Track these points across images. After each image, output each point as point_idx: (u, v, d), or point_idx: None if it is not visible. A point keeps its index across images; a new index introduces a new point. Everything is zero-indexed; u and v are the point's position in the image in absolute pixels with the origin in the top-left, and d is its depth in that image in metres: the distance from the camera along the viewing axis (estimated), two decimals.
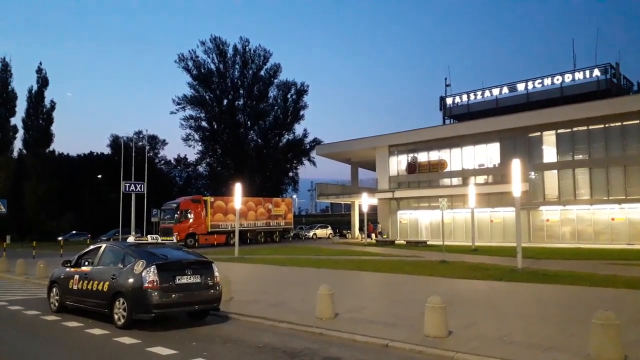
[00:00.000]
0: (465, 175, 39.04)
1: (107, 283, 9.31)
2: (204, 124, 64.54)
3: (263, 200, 43.49)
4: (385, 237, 40.50)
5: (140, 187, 32.13)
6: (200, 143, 64.96)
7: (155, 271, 8.79)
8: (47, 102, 53.59)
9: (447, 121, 45.95)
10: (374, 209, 44.63)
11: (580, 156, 34.31)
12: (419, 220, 41.40)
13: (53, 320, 9.94)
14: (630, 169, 32.03)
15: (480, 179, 38.45)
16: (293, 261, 22.78)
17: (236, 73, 64.18)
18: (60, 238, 35.14)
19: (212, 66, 63.07)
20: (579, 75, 39.12)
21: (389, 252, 28.62)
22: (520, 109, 38.15)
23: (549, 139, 35.54)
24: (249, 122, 65.76)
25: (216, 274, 9.65)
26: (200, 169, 71.69)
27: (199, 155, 67.27)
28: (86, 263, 10.31)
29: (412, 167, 42.44)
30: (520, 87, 41.80)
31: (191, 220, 36.91)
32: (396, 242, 38.08)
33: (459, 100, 45.26)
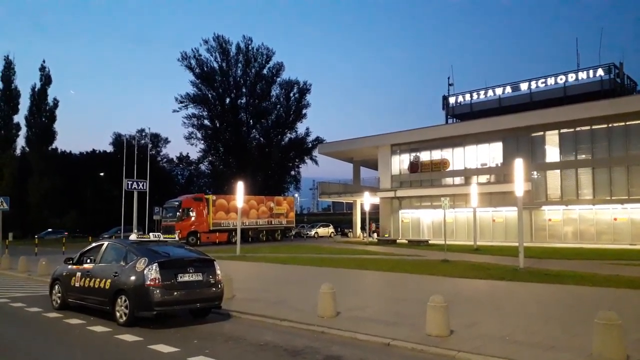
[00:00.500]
0: (467, 174, 38.98)
1: (109, 280, 9.32)
2: (206, 122, 64.61)
3: (265, 198, 43.51)
4: (386, 235, 40.50)
5: (143, 185, 32.10)
6: (202, 141, 65.04)
7: (157, 269, 8.80)
8: (50, 100, 53.77)
9: (450, 120, 45.91)
10: (376, 208, 44.63)
11: (583, 156, 34.24)
12: (421, 219, 41.37)
13: (55, 317, 9.96)
14: (633, 169, 31.94)
15: (483, 178, 38.40)
16: (295, 260, 22.79)
17: (239, 72, 64.21)
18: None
19: (215, 65, 63.13)
20: (582, 75, 39.03)
21: (391, 251, 28.61)
22: (523, 108, 38.08)
23: (552, 138, 35.47)
24: (251, 121, 65.77)
25: (218, 272, 9.65)
26: (203, 167, 71.84)
27: (201, 154, 67.38)
28: (88, 260, 10.32)
29: (415, 166, 42.40)
30: (524, 86, 41.72)
31: (193, 219, 36.97)
32: (398, 241, 38.07)
33: (462, 100, 45.21)
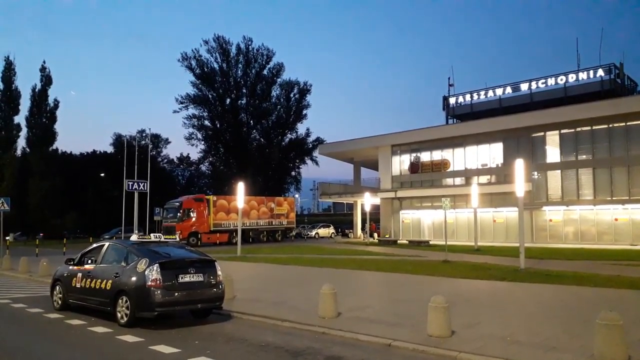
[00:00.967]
0: (468, 175, 38.96)
1: (110, 281, 9.32)
2: (206, 123, 64.62)
3: (265, 199, 43.52)
4: (387, 236, 40.48)
5: (143, 186, 32.09)
6: (203, 142, 65.06)
7: (158, 269, 8.80)
8: (50, 100, 53.73)
9: (450, 121, 45.89)
10: (376, 209, 44.64)
11: (584, 156, 34.22)
12: (422, 220, 41.35)
13: (56, 318, 9.97)
14: (634, 169, 31.92)
15: (483, 178, 38.38)
16: (295, 260, 22.79)
17: (239, 72, 64.23)
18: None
19: (215, 65, 63.14)
20: (582, 76, 39.02)
21: (392, 251, 28.60)
22: (523, 109, 38.06)
23: (553, 139, 35.45)
24: (251, 121, 65.80)
25: (219, 272, 9.66)
26: (203, 167, 71.87)
27: (201, 154, 67.43)
28: (89, 261, 10.34)
29: (415, 166, 42.39)
30: (524, 87, 41.71)
31: (194, 219, 36.98)
32: (399, 241, 38.06)
33: (462, 100, 45.20)
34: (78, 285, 10.20)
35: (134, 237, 10.69)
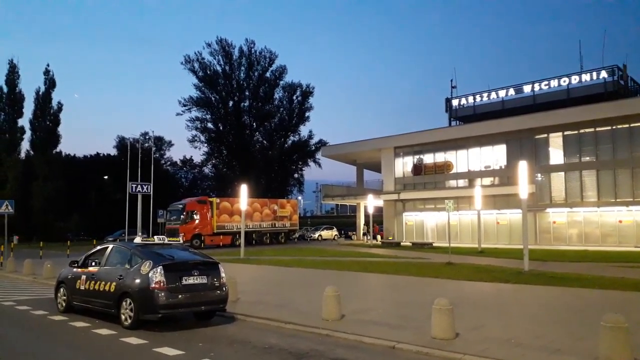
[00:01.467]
0: (471, 177, 38.91)
1: (114, 283, 9.34)
2: (209, 125, 64.78)
3: (268, 201, 43.53)
4: (390, 238, 40.45)
5: (147, 188, 32.18)
6: (206, 144, 65.19)
7: (162, 272, 8.81)
8: (54, 103, 53.85)
9: (453, 123, 45.89)
10: (379, 211, 44.63)
11: (587, 158, 34.14)
12: (425, 221, 41.29)
13: (60, 320, 9.99)
14: (638, 171, 31.80)
15: (487, 180, 38.31)
16: (299, 262, 22.79)
17: (242, 75, 64.39)
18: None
19: (218, 68, 63.31)
20: (585, 77, 38.96)
21: (395, 253, 28.56)
22: (526, 110, 38.02)
23: (556, 140, 35.37)
24: (254, 124, 65.90)
25: (222, 274, 9.66)
26: (206, 170, 71.97)
27: (204, 157, 67.55)
28: (93, 263, 10.34)
29: (418, 168, 42.36)
30: (527, 88, 41.68)
31: (197, 221, 37.02)
32: (402, 243, 38.02)
33: (465, 102, 45.18)
34: (82, 288, 10.22)
35: (137, 240, 10.71)
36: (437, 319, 7.72)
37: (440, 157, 41.23)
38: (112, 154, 67.35)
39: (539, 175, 35.55)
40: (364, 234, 46.18)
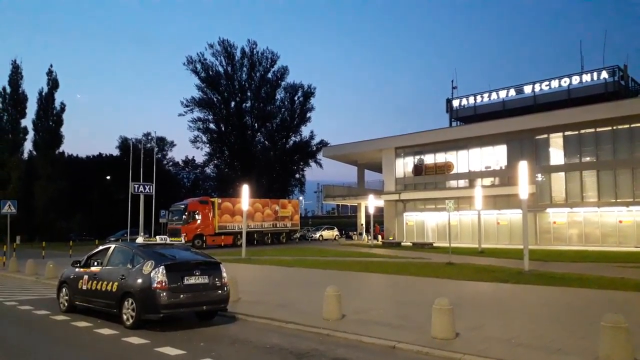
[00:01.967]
0: (471, 177, 38.93)
1: (116, 283, 9.39)
2: (211, 126, 64.80)
3: (270, 201, 43.58)
4: (391, 238, 40.47)
5: (149, 188, 32.26)
6: (207, 145, 65.22)
7: (164, 272, 8.86)
8: (57, 104, 53.97)
9: (454, 123, 45.88)
10: (380, 211, 44.66)
11: (588, 158, 34.13)
12: (425, 222, 41.31)
13: (62, 320, 10.04)
14: (638, 171, 31.79)
15: (487, 181, 38.33)
16: (300, 262, 22.84)
17: (244, 75, 64.42)
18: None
19: (220, 69, 63.34)
20: (586, 78, 38.93)
21: (395, 253, 28.59)
22: (527, 111, 38.02)
23: (556, 141, 35.38)
24: (256, 124, 65.94)
25: (224, 274, 9.70)
26: (208, 170, 72.00)
27: (206, 157, 67.57)
28: (95, 263, 10.40)
29: (419, 169, 42.39)
30: (527, 89, 41.66)
31: (199, 222, 37.09)
32: (402, 243, 38.04)
33: (466, 103, 45.17)
34: (84, 288, 10.27)
35: (139, 240, 10.77)
36: (437, 319, 7.76)
37: (440, 157, 41.25)
38: (114, 154, 67.49)
39: (540, 175, 35.55)
40: (360, 234, 46.76)
